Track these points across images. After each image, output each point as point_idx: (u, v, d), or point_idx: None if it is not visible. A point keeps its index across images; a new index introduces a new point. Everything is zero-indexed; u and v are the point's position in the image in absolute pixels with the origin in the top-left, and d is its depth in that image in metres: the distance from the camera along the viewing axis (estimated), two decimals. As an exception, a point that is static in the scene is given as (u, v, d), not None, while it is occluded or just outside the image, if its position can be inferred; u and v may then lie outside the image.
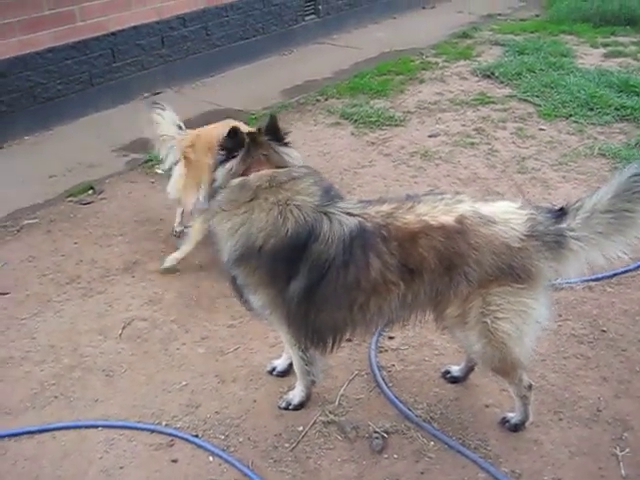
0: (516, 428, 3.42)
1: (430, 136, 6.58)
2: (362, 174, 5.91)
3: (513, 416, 3.44)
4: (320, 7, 9.64)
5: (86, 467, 3.29)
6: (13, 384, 3.81)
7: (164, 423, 3.51)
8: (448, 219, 3.04)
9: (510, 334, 3.08)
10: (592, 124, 6.71)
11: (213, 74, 8.28)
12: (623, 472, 3.18)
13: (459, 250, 3.01)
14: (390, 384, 3.70)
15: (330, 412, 3.54)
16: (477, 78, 8.04)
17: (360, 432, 3.43)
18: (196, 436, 3.42)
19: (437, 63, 8.57)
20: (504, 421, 3.46)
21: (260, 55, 8.76)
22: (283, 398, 3.61)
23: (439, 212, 3.07)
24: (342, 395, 3.65)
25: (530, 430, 3.42)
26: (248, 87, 7.90)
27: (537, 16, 10.82)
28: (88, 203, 5.64)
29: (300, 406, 3.57)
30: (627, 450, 3.28)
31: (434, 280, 3.08)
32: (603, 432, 3.40)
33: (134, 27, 7.52)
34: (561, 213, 3.11)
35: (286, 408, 3.57)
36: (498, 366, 3.24)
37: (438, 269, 3.05)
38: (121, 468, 3.28)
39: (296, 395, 3.58)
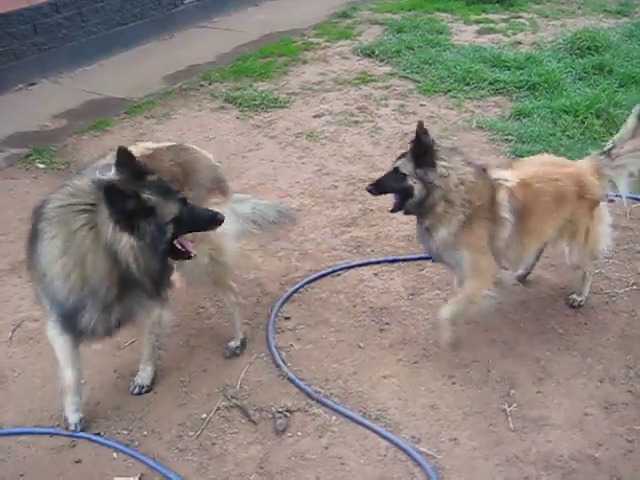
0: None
1: (315, 116, 6.65)
2: (250, 158, 5.92)
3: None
4: (200, -11, 9.49)
5: (-18, 475, 3.20)
6: None
7: (63, 422, 3.43)
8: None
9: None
10: (469, 98, 6.98)
11: (92, 62, 7.99)
12: (511, 425, 3.39)
13: None
14: (289, 364, 3.77)
15: (232, 396, 3.57)
16: (358, 57, 8.16)
17: (263, 414, 3.48)
18: (98, 434, 3.38)
19: (319, 43, 8.63)
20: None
21: (140, 41, 8.53)
22: (133, 384, 3.63)
23: None
24: (243, 379, 3.69)
25: (426, 396, 3.58)
26: (129, 74, 7.70)
27: (413, -6, 11.04)
28: (-34, 203, 5.38)
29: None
30: (514, 405, 3.50)
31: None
32: (492, 391, 3.60)
33: (2, 14, 7.16)
34: None
35: (139, 393, 3.61)
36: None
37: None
38: (21, 476, 3.20)
39: (145, 377, 3.63)
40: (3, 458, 3.27)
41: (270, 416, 3.47)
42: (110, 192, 2.80)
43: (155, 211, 2.91)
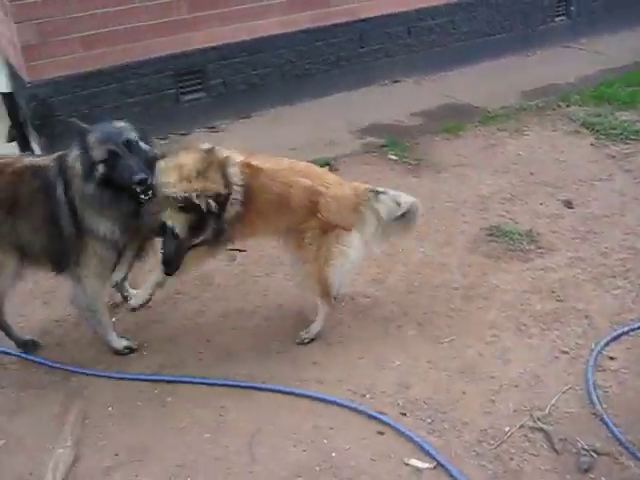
0: None
1: (680, 157, 6.16)
2: (598, 187, 5.68)
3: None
4: (572, 8, 9.26)
5: (301, 420, 3.56)
6: (243, 333, 4.21)
7: (375, 395, 3.69)
8: None
9: None
10: None
11: (453, 68, 8.28)
12: None
13: None
14: (605, 405, 3.60)
15: (539, 419, 3.51)
16: None
17: (567, 446, 3.37)
18: (404, 414, 3.56)
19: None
20: None
21: (503, 53, 8.61)
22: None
23: None
24: (553, 405, 3.60)
25: None
26: (487, 84, 7.85)
27: None
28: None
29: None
30: None
31: None
32: None
33: (383, 15, 7.74)
34: None
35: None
36: None
37: None
38: (331, 429, 3.50)
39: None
40: (320, 410, 3.62)
41: (574, 451, 3.34)
42: None
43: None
